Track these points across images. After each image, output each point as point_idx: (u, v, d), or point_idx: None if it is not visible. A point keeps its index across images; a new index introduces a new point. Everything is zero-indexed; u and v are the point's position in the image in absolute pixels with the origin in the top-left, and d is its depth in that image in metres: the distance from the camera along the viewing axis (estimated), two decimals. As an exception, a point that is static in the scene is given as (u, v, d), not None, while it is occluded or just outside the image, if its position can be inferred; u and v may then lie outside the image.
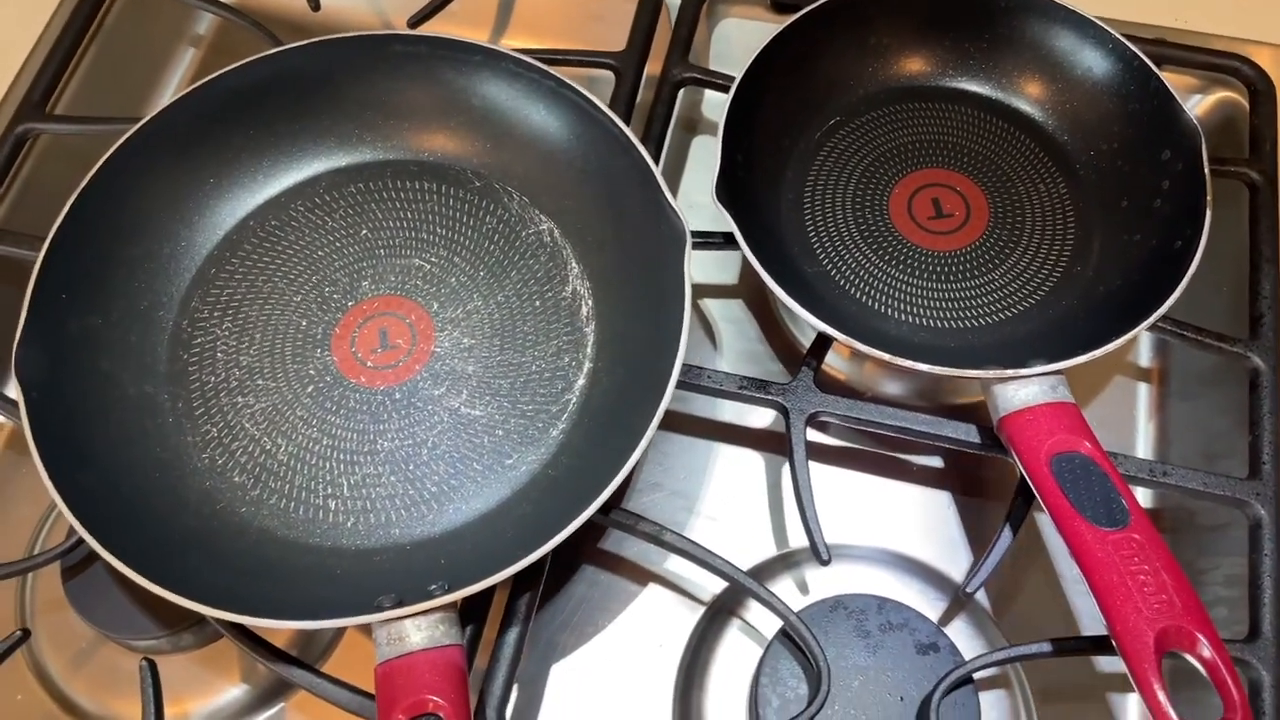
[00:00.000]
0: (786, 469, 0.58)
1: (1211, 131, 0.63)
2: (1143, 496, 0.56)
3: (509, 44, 0.69)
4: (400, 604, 0.42)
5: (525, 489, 0.49)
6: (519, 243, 0.55)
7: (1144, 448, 0.57)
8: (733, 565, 0.48)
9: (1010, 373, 0.47)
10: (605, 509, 0.49)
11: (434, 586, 0.43)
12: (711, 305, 0.62)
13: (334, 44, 0.55)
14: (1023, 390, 0.47)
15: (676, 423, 0.58)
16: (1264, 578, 0.47)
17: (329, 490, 0.49)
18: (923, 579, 0.54)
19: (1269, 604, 0.46)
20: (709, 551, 0.49)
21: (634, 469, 0.57)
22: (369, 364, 0.52)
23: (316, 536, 0.48)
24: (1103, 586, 0.40)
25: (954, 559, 0.55)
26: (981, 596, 0.54)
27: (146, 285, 0.52)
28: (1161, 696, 0.38)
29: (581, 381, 0.51)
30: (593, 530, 0.55)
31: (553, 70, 0.54)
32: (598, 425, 0.50)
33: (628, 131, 0.51)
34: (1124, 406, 0.59)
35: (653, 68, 0.62)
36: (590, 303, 0.53)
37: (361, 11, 0.71)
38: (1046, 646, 0.46)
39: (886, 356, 0.47)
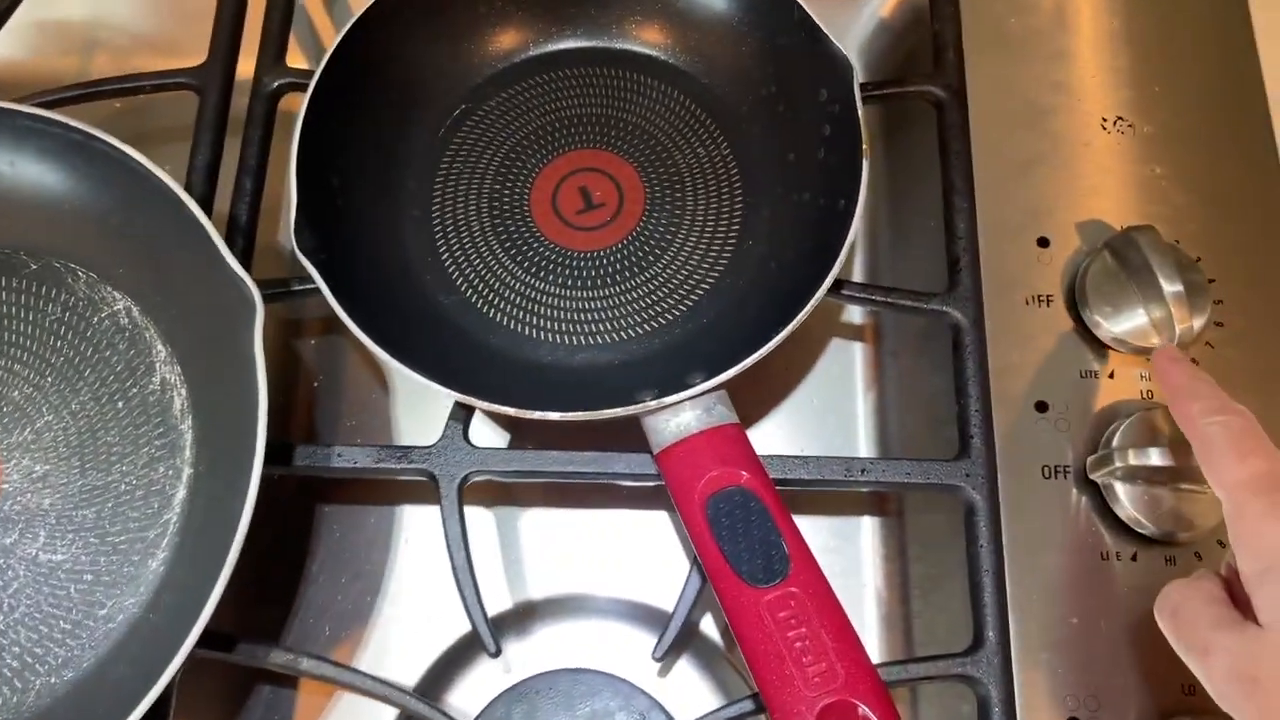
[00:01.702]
0: (488, 520, 0.50)
1: (903, 38, 0.55)
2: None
3: (96, 72, 0.58)
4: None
5: (124, 643, 0.40)
6: (92, 332, 0.45)
7: (864, 417, 0.51)
8: (388, 685, 0.41)
9: (655, 404, 0.39)
10: (228, 643, 0.41)
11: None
12: (379, 343, 0.53)
13: None
14: (674, 419, 0.40)
15: (347, 493, 0.50)
16: (983, 574, 0.41)
17: (-116, 694, 0.40)
18: (650, 623, 0.48)
19: (990, 605, 0.40)
20: (359, 674, 0.41)
21: (310, 563, 0.50)
22: (-81, 523, 0.42)
23: (-126, 757, 0.39)
24: (757, 658, 0.34)
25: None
26: (712, 632, 0.48)
27: None
28: (826, 796, 0.32)
29: (181, 494, 0.43)
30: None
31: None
32: (204, 546, 0.41)
33: (169, 182, 0.42)
34: (841, 371, 0.52)
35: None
36: (183, 392, 0.44)
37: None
38: (749, 705, 0.40)
39: (511, 411, 0.39)
